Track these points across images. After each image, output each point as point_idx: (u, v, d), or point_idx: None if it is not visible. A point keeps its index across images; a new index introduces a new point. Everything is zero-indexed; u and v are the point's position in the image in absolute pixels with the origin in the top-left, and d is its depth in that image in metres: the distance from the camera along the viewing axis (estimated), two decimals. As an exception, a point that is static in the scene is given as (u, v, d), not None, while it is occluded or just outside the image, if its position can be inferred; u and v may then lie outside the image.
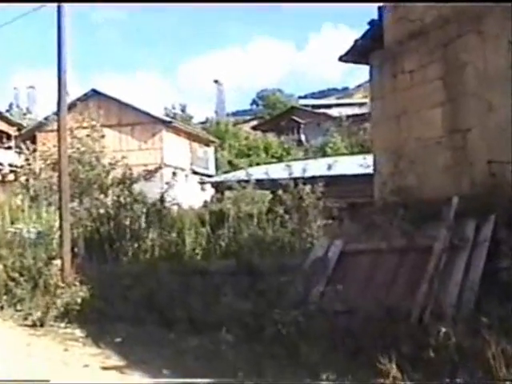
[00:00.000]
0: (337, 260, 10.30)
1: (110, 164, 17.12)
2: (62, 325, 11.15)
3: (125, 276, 12.22)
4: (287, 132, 66.19)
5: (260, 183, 20.88)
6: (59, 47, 12.64)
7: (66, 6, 12.69)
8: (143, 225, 14.96)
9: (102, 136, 17.81)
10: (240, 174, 23.03)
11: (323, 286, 9.97)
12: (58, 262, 12.82)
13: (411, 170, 10.60)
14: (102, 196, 15.68)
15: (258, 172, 22.70)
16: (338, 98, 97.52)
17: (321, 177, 19.23)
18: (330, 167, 19.70)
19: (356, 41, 13.30)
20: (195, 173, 42.95)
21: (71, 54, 12.82)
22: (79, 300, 11.47)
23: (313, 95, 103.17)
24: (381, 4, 12.61)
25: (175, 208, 18.03)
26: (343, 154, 42.98)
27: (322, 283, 10.05)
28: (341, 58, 13.91)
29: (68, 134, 13.92)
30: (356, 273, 9.90)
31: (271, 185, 20.45)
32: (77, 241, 13.86)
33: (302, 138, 65.98)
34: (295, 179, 18.73)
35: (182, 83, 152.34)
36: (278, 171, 21.54)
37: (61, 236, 12.79)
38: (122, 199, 15.30)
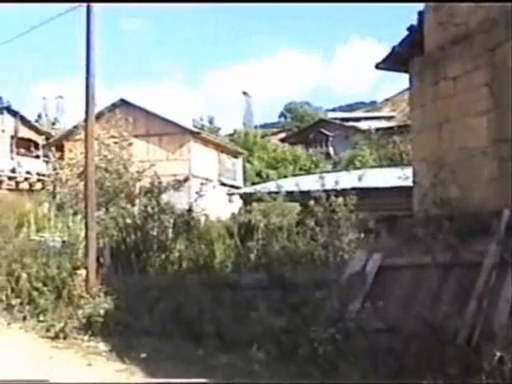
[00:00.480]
0: (375, 275, 9.77)
1: (138, 172, 16.71)
2: (86, 337, 10.69)
3: (152, 288, 11.75)
4: (315, 145, 65.91)
5: (290, 195, 20.35)
6: (88, 50, 12.28)
7: (94, 11, 12.29)
8: (171, 236, 14.48)
9: (130, 144, 17.43)
10: (270, 186, 22.54)
11: (361, 302, 9.45)
12: (82, 272, 12.38)
13: (454, 181, 10.01)
14: (128, 205, 15.24)
15: (288, 183, 22.17)
16: (366, 112, 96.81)
17: (353, 189, 18.64)
18: (360, 178, 19.09)
19: (394, 48, 12.80)
20: (223, 184, 42.53)
21: (99, 61, 12.49)
22: (102, 312, 11.00)
23: (340, 108, 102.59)
24: (421, 9, 12.10)
25: (203, 219, 17.57)
26: (372, 167, 42.37)
27: (360, 299, 9.52)
28: (377, 66, 13.40)
29: (95, 140, 13.50)
30: (396, 289, 9.35)
31: (302, 197, 19.94)
32: (102, 250, 13.44)
33: (331, 150, 65.61)
34: (327, 191, 18.16)
35: (209, 94, 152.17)
36: (309, 183, 21.01)
37: (86, 245, 12.38)
38: (149, 209, 14.86)
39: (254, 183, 46.83)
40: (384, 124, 68.79)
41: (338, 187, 18.63)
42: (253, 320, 9.97)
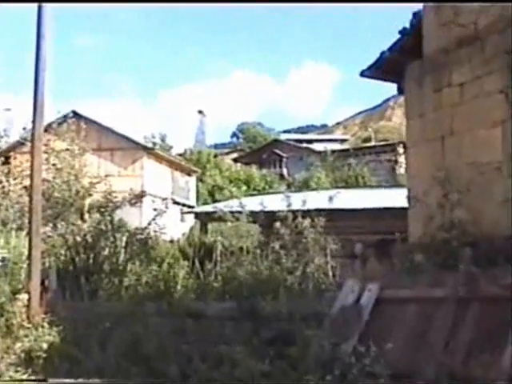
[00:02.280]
0: (372, 309, 8.34)
1: (91, 183, 15.02)
2: (25, 376, 8.96)
3: (104, 317, 10.09)
4: (269, 165, 64.88)
5: (253, 215, 18.78)
6: (38, 50, 10.66)
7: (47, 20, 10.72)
8: (126, 257, 12.84)
9: (82, 153, 15.72)
10: (231, 205, 20.93)
11: (356, 341, 8.01)
12: (24, 296, 10.63)
13: (463, 201, 8.69)
14: (79, 221, 13.51)
15: (251, 203, 20.65)
16: (319, 134, 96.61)
17: (322, 210, 17.16)
18: (331, 199, 17.67)
19: (382, 53, 11.53)
20: (176, 203, 40.88)
21: (50, 73, 10.95)
22: (46, 345, 9.32)
23: (292, 131, 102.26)
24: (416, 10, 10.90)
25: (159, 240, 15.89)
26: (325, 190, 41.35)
27: (355, 337, 8.08)
28: (362, 73, 12.13)
29: (44, 146, 11.81)
30: (399, 326, 7.94)
31: (265, 217, 18.46)
32: (48, 272, 11.67)
33: (284, 171, 64.63)
34: (294, 212, 16.66)
35: (162, 112, 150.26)
36: (272, 202, 19.53)
37: (29, 266, 10.65)
38: (102, 226, 13.21)
39: (206, 203, 45.40)
40: (337, 146, 68.31)
41: (305, 208, 17.22)
42: (226, 360, 8.46)
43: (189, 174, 47.45)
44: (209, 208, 26.02)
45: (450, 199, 8.64)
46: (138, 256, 12.96)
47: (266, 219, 18.47)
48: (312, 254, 15.09)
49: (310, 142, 75.99)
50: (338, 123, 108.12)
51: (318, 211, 16.87)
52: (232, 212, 19.16)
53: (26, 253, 12.07)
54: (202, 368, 8.56)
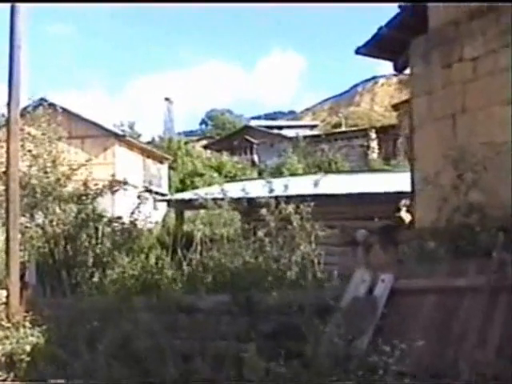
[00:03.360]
0: (386, 301, 7.70)
1: (71, 169, 14.13)
2: (8, 382, 8.21)
3: (90, 313, 9.32)
4: (240, 152, 64.05)
5: (235, 202, 17.98)
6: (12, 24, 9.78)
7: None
8: (109, 248, 12.05)
9: (60, 138, 14.78)
10: (211, 191, 20.13)
11: (370, 336, 7.38)
12: (2, 293, 9.85)
13: (478, 182, 8.07)
14: (58, 210, 12.65)
15: (231, 189, 19.88)
16: (289, 120, 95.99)
17: (307, 196, 16.43)
18: (316, 184, 16.95)
19: (379, 29, 10.85)
20: (148, 190, 39.94)
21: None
22: (29, 347, 8.55)
23: (259, 118, 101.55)
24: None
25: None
26: (300, 175, 40.74)
27: (369, 331, 7.44)
28: (357, 51, 11.45)
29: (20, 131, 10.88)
30: (417, 319, 7.31)
31: (248, 204, 17.75)
32: (26, 266, 10.83)
33: (255, 158, 63.88)
34: (277, 198, 15.90)
35: (130, 101, 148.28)
36: (253, 189, 18.78)
37: (7, 260, 9.83)
38: (83, 215, 12.39)
39: (178, 190, 44.52)
40: (307, 132, 67.78)
41: (288, 194, 16.51)
42: (228, 358, 7.80)
43: (161, 162, 46.52)
44: (188, 195, 25.12)
45: (465, 180, 8.00)
46: (122, 247, 12.16)
47: (248, 206, 17.78)
48: (298, 241, 14.45)
49: (280, 128, 75.21)
50: (307, 109, 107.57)
51: (302, 197, 16.20)
52: (213, 199, 18.36)
53: (0, 245, 11.33)
54: (203, 368, 7.89)
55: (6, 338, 8.80)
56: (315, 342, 7.65)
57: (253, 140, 65.02)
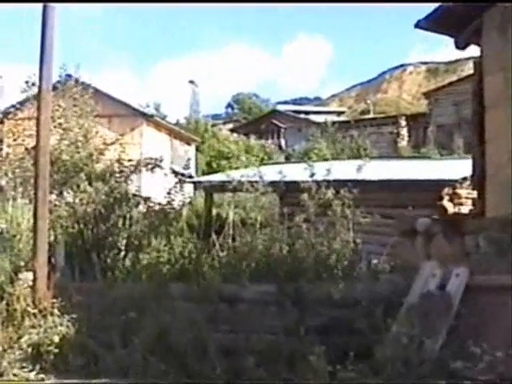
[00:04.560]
0: (461, 298, 6.80)
1: (105, 144, 13.30)
2: (32, 375, 7.40)
3: (124, 302, 8.50)
4: (267, 136, 63.18)
5: (272, 185, 17.06)
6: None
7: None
8: (143, 230, 11.21)
9: (91, 111, 13.94)
10: (246, 174, 19.22)
11: (444, 337, 6.49)
12: (28, 276, 9.03)
13: None
14: (89, 188, 11.79)
15: (268, 172, 18.97)
16: (316, 106, 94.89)
17: (349, 181, 15.45)
18: (360, 169, 15.98)
19: (443, 1, 9.83)
20: (174, 172, 39.16)
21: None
22: (57, 338, 7.73)
23: (285, 103, 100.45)
24: None
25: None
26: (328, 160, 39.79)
27: (442, 332, 6.55)
28: (417, 25, 10.46)
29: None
30: (499, 320, 6.41)
31: (286, 188, 16.91)
32: (54, 248, 9.98)
33: (282, 142, 63.01)
34: (318, 182, 14.96)
35: (156, 84, 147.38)
36: (291, 172, 17.89)
37: (34, 240, 8.99)
38: (116, 194, 11.55)
39: (204, 173, 43.80)
40: (334, 118, 66.71)
41: (327, 178, 15.57)
42: (282, 355, 6.96)
43: (188, 143, 45.71)
44: (219, 177, 24.29)
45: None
46: (158, 229, 11.31)
47: (286, 190, 16.90)
48: (344, 229, 13.56)
49: (306, 113, 74.22)
50: (334, 95, 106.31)
51: (341, 182, 15.28)
52: (249, 182, 17.48)
53: (26, 223, 10.55)
54: (249, 366, 7.05)
55: (33, 326, 7.96)
56: (379, 342, 6.80)
57: (280, 124, 64.13)
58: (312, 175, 15.55)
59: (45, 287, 8.65)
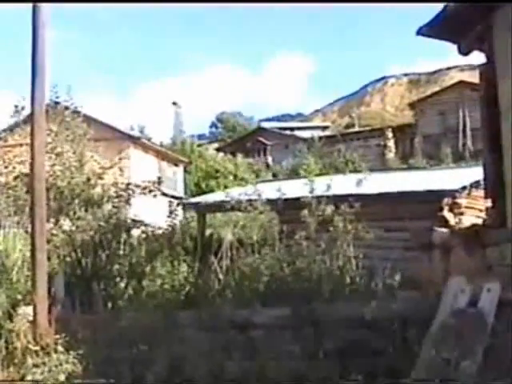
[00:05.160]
0: (495, 314, 6.38)
1: (102, 168, 12.81)
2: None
3: (131, 333, 8.02)
4: (253, 154, 62.82)
5: (271, 203, 16.62)
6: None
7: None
8: (145, 256, 10.70)
9: (85, 134, 13.44)
10: (243, 192, 18.76)
11: (480, 358, 6.06)
12: (27, 310, 8.51)
13: None
14: (88, 215, 11.23)
15: (266, 189, 18.52)
16: (299, 122, 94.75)
17: (350, 195, 15.02)
18: (360, 183, 15.58)
19: (445, 7, 9.45)
20: (164, 194, 38.63)
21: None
22: (63, 377, 7.21)
23: (268, 120, 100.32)
24: None
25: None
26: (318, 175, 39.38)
27: (478, 353, 6.11)
28: (419, 32, 10.08)
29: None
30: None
31: (284, 205, 16.42)
32: (53, 279, 9.44)
33: (269, 159, 62.64)
34: (318, 198, 14.54)
35: (137, 107, 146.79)
36: (291, 189, 17.52)
37: (33, 272, 8.46)
38: (114, 220, 11.04)
39: (193, 193, 43.35)
40: (319, 133, 66.48)
41: (330, 193, 15.16)
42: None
43: (176, 165, 45.27)
44: (217, 197, 23.76)
45: None
46: (160, 254, 10.82)
47: (285, 207, 16.48)
48: (345, 245, 13.14)
49: (291, 129, 73.99)
50: (317, 111, 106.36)
51: (343, 197, 14.89)
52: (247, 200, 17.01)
53: (17, 255, 10.03)
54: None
55: (36, 365, 7.41)
56: (408, 364, 6.37)
57: (266, 142, 63.81)
58: (312, 191, 15.15)
59: (46, 322, 8.11)
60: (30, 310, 8.50)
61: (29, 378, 7.21)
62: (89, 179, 12.00)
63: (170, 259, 10.83)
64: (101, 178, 12.50)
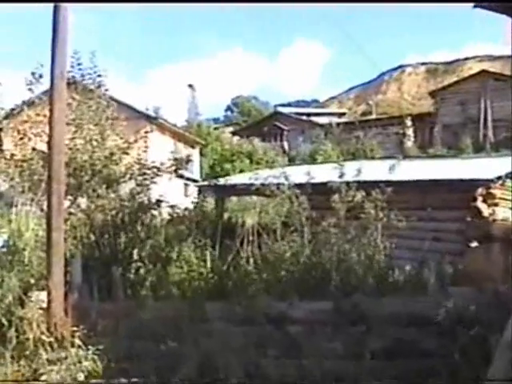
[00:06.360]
0: None
1: (128, 142, 11.91)
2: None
3: (156, 325, 7.16)
4: (269, 138, 61.82)
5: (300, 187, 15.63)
6: None
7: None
8: (170, 240, 9.80)
9: (108, 105, 12.43)
10: (268, 175, 17.78)
11: None
12: (40, 295, 7.63)
13: None
14: (111, 193, 10.29)
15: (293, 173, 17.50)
16: (315, 108, 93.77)
17: (381, 182, 14.06)
18: (393, 168, 14.61)
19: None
20: (179, 176, 37.79)
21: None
22: (82, 376, 6.33)
23: (284, 106, 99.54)
24: None
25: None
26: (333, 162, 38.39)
27: None
28: (477, 5, 9.13)
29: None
30: None
31: (313, 190, 15.48)
32: (70, 262, 8.53)
33: (285, 145, 61.67)
34: (348, 183, 13.60)
35: (153, 90, 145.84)
36: (319, 174, 16.48)
37: (48, 254, 7.56)
38: (139, 200, 10.15)
39: (208, 176, 42.54)
40: (335, 120, 65.45)
41: (361, 179, 14.22)
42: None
43: (192, 147, 44.39)
44: (242, 179, 22.70)
45: None
46: (187, 238, 9.92)
47: (314, 192, 15.56)
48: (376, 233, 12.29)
49: (308, 115, 73.01)
50: (333, 98, 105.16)
51: (373, 183, 13.98)
52: (278, 184, 16.00)
53: (30, 234, 9.15)
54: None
55: (50, 361, 6.51)
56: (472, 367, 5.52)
57: (283, 126, 62.78)
58: (341, 175, 14.27)
59: (62, 311, 7.23)
60: (43, 295, 7.63)
61: (44, 377, 6.29)
62: (112, 154, 11.06)
63: (198, 244, 9.93)
64: (126, 153, 11.54)
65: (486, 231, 8.53)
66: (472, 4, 8.69)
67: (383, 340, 7.14)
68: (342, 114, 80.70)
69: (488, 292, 7.28)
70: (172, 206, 10.77)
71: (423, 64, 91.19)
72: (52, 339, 6.91)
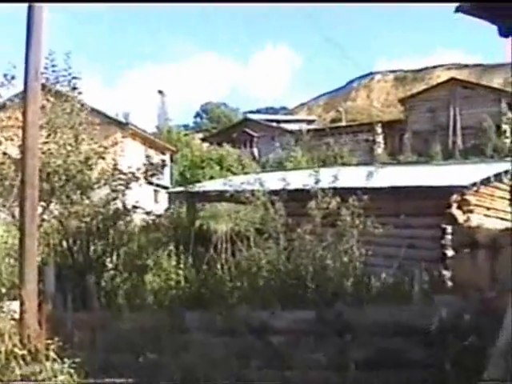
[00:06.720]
0: None
1: (103, 147, 11.59)
2: None
3: (134, 337, 6.89)
4: (239, 145, 61.61)
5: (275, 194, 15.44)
6: None
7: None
8: (146, 247, 9.54)
9: (82, 108, 12.05)
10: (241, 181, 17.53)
11: None
12: (12, 305, 7.32)
13: None
14: (83, 200, 9.97)
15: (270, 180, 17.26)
16: (285, 115, 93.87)
17: (359, 189, 13.92)
18: (370, 175, 14.49)
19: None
20: (149, 183, 37.33)
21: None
22: (58, 392, 6.04)
23: (253, 113, 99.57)
24: None
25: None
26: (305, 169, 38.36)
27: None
28: (458, 9, 9.02)
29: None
30: None
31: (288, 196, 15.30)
32: (43, 271, 8.22)
33: (255, 151, 61.54)
34: (324, 190, 13.47)
35: (122, 95, 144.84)
36: (295, 180, 16.29)
37: (20, 263, 7.24)
38: (113, 205, 9.86)
39: (177, 183, 42.27)
40: (304, 127, 65.51)
41: (337, 185, 14.07)
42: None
43: (163, 153, 43.99)
44: (216, 185, 22.39)
45: None
46: (165, 246, 9.66)
47: (290, 199, 15.39)
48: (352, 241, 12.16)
49: (278, 122, 73.01)
50: (302, 104, 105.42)
51: (351, 190, 13.87)
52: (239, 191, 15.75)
53: (1, 242, 8.87)
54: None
55: (24, 376, 6.18)
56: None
57: (253, 133, 62.64)
58: (317, 182, 14.13)
59: (35, 322, 6.91)
60: (15, 305, 7.31)
61: (16, 391, 5.98)
62: (87, 159, 10.75)
63: (174, 252, 9.68)
64: (102, 158, 11.25)
65: (472, 238, 8.41)
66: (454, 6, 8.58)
67: (367, 350, 6.98)
68: (311, 121, 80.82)
69: (474, 299, 7.16)
70: (148, 213, 10.46)
71: (392, 71, 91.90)
72: (25, 352, 6.58)
